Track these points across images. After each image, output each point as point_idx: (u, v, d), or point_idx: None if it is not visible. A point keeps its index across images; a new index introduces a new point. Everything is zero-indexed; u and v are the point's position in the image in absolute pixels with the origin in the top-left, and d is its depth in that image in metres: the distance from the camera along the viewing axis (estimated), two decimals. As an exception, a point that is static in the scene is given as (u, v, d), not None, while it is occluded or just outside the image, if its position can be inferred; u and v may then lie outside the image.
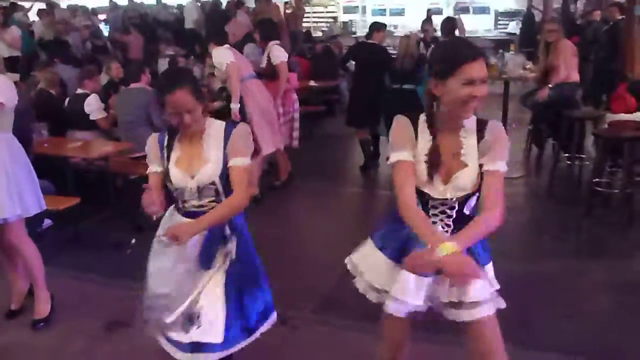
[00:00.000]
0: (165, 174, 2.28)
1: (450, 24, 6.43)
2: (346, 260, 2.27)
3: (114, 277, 3.86)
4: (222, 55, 5.08)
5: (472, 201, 1.98)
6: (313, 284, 3.81)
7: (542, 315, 3.34)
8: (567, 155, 5.89)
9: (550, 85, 5.72)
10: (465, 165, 1.93)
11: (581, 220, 4.64)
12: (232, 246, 2.31)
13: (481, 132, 1.95)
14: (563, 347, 3.02)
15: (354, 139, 7.34)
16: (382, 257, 2.10)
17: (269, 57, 5.52)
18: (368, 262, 2.16)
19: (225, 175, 2.26)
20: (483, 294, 1.96)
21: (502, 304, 2.03)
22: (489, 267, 2.09)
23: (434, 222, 1.98)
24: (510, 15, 14.48)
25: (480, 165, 1.93)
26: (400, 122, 2.02)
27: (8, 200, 3.05)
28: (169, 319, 2.28)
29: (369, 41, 6.32)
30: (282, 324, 3.24)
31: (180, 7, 13.10)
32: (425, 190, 1.95)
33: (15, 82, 5.85)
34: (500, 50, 8.12)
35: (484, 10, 14.93)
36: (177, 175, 2.25)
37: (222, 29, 6.31)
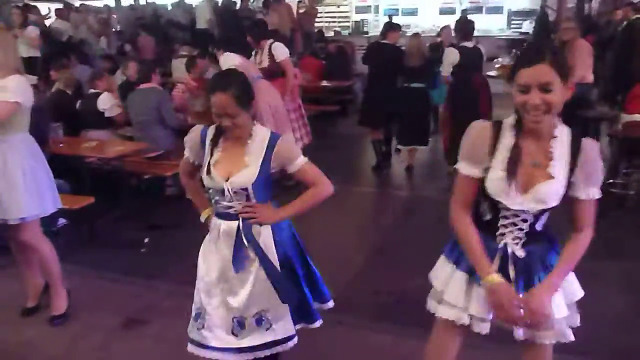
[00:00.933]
0: (203, 170, 2.29)
1: (465, 25, 6.25)
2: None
3: (129, 275, 3.90)
4: (229, 60, 5.08)
5: (546, 217, 1.89)
6: (327, 283, 3.80)
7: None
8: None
9: (564, 86, 5.68)
10: (551, 178, 1.79)
11: (595, 221, 4.60)
12: (264, 236, 2.32)
13: (575, 148, 1.79)
14: (577, 348, 2.99)
15: (367, 139, 7.35)
16: (458, 272, 1.98)
17: (271, 55, 5.54)
18: (445, 281, 2.02)
19: (260, 183, 2.25)
20: (556, 319, 1.94)
21: (571, 337, 2.02)
22: (571, 275, 2.03)
23: (502, 234, 1.88)
24: (524, 14, 14.38)
25: (569, 184, 1.82)
26: (479, 129, 1.88)
27: (27, 199, 3.10)
28: (215, 325, 2.33)
29: (384, 42, 6.32)
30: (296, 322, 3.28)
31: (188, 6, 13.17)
32: (501, 201, 1.82)
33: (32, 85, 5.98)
34: (514, 50, 8.09)
35: (497, 9, 14.85)
36: (213, 175, 2.25)
37: (232, 36, 6.40)
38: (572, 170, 1.80)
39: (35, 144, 3.24)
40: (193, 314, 2.41)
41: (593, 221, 1.90)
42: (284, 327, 2.37)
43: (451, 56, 5.83)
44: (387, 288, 3.62)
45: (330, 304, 2.54)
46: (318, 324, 2.51)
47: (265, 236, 2.33)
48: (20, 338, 3.23)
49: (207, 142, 2.30)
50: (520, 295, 1.87)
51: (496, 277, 1.84)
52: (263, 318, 2.33)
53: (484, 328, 1.91)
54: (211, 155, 2.28)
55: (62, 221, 4.73)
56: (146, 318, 3.30)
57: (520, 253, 1.88)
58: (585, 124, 5.51)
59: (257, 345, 2.34)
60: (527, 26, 13.58)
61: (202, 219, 2.44)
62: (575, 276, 3.85)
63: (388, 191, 6.11)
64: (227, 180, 2.23)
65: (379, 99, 6.16)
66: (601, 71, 7.29)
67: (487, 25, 13.90)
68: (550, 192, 1.80)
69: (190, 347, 2.40)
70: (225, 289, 2.32)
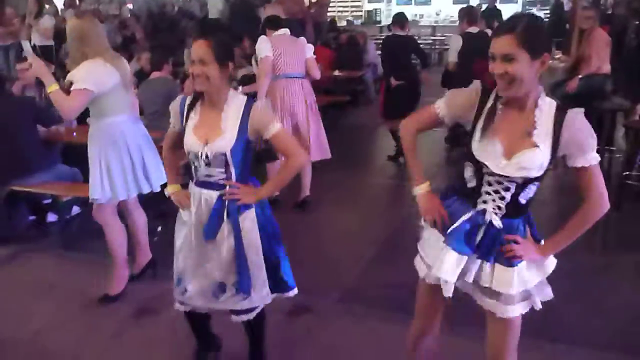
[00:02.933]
0: (182, 136, 2.36)
1: (470, 11, 6.31)
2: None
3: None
4: (259, 48, 4.84)
5: (530, 191, 1.90)
6: (339, 273, 3.82)
7: (572, 310, 3.30)
8: (596, 147, 5.78)
9: (580, 76, 5.61)
10: (535, 146, 1.82)
11: (610, 213, 4.54)
12: (249, 219, 2.37)
13: (559, 119, 1.83)
14: (593, 342, 2.99)
15: (379, 130, 7.33)
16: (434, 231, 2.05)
17: None
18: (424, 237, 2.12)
19: (238, 150, 2.29)
20: (521, 288, 1.94)
21: (538, 304, 1.99)
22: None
23: (485, 201, 1.92)
24: (539, 4, 14.23)
25: (555, 155, 1.85)
26: (471, 89, 1.96)
27: (99, 185, 3.29)
28: (195, 289, 2.44)
29: (398, 33, 6.34)
30: (307, 312, 3.29)
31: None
32: (486, 163, 1.87)
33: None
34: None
35: (511, -1, 14.70)
36: (191, 140, 2.32)
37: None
38: (557, 141, 1.83)
39: (123, 131, 3.30)
40: (175, 279, 2.50)
41: (602, 191, 1.90)
42: (260, 295, 2.46)
43: (455, 43, 5.96)
44: (399, 280, 3.60)
45: (292, 292, 2.58)
46: (292, 293, 2.58)
47: (249, 220, 2.38)
48: (34, 328, 3.26)
49: (185, 107, 2.37)
50: (488, 264, 1.93)
51: (423, 187, 2.09)
52: (241, 286, 2.39)
53: (448, 290, 1.95)
54: (187, 119, 2.34)
55: (76, 209, 4.77)
56: (159, 307, 3.32)
57: (498, 223, 1.91)
58: (601, 115, 5.44)
59: (236, 310, 2.47)
60: (540, 15, 13.42)
61: (167, 193, 2.53)
62: (590, 269, 3.85)
63: (401, 182, 6.08)
64: (205, 145, 2.27)
65: (401, 91, 6.19)
66: (617, 62, 7.18)
67: (502, 14, 13.74)
68: (532, 160, 1.82)
69: (177, 306, 2.54)
70: (202, 254, 2.40)
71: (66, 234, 4.36)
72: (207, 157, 2.28)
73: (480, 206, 1.93)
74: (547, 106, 1.85)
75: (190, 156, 2.35)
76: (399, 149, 6.50)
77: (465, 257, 1.91)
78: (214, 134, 2.28)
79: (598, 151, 5.64)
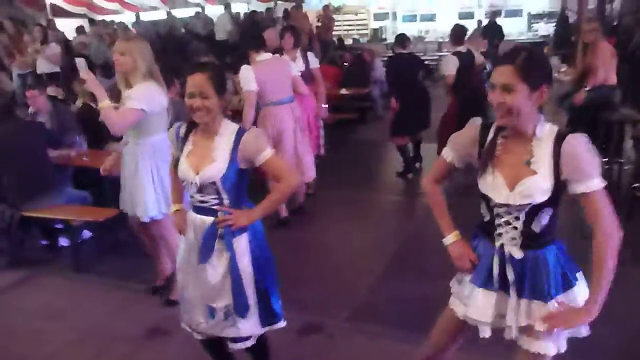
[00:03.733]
0: (176, 164, 2.40)
1: (457, 31, 6.36)
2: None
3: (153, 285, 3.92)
4: (242, 78, 4.75)
5: (543, 218, 1.90)
6: (348, 291, 3.81)
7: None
8: (605, 159, 5.76)
9: (587, 88, 5.60)
10: (534, 173, 1.84)
11: (621, 225, 4.52)
12: (242, 244, 2.36)
13: (558, 144, 1.83)
14: (604, 352, 2.96)
15: (387, 146, 7.33)
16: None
17: (307, 61, 5.54)
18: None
19: (229, 178, 2.29)
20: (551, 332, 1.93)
21: (563, 349, 2.00)
22: (579, 287, 2.02)
23: (500, 234, 1.95)
24: (545, 17, 14.26)
25: (564, 182, 1.84)
26: (469, 127, 2.03)
27: (153, 200, 3.41)
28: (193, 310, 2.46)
29: (404, 52, 6.43)
30: (317, 332, 3.28)
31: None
32: (490, 196, 1.91)
33: (57, 97, 6.10)
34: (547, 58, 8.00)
35: (516, 13, 14.75)
36: (184, 168, 2.35)
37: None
38: (557, 167, 1.82)
39: (168, 148, 3.39)
40: (179, 295, 2.57)
41: (610, 218, 1.88)
42: (249, 324, 2.42)
43: (452, 60, 6.02)
44: (408, 295, 3.60)
45: (282, 324, 2.52)
46: (282, 323, 2.52)
47: (243, 244, 2.37)
48: (46, 350, 3.28)
49: (180, 137, 2.39)
50: (525, 300, 1.92)
51: (452, 236, 2.11)
52: (229, 314, 2.39)
53: (484, 332, 1.98)
54: (181, 149, 2.37)
55: (87, 234, 4.81)
56: (169, 327, 3.32)
57: (518, 254, 1.91)
58: (609, 126, 5.42)
59: (223, 336, 2.46)
60: (545, 28, 13.46)
61: (174, 208, 2.58)
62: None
63: (409, 198, 6.07)
64: (197, 174, 2.30)
65: (410, 107, 6.23)
66: (623, 73, 7.17)
67: (507, 28, 13.81)
68: (534, 187, 1.83)
69: (182, 324, 2.58)
70: (197, 276, 2.41)
71: (77, 257, 4.39)
72: (198, 186, 2.31)
73: (498, 241, 1.96)
74: (546, 133, 1.86)
75: (185, 183, 2.38)
76: (407, 165, 6.51)
77: (494, 293, 1.95)
78: (204, 163, 2.30)
79: (607, 163, 5.64)
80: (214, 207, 2.34)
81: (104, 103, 3.20)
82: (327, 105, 5.65)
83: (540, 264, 1.92)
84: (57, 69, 8.81)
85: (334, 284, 3.90)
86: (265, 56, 4.81)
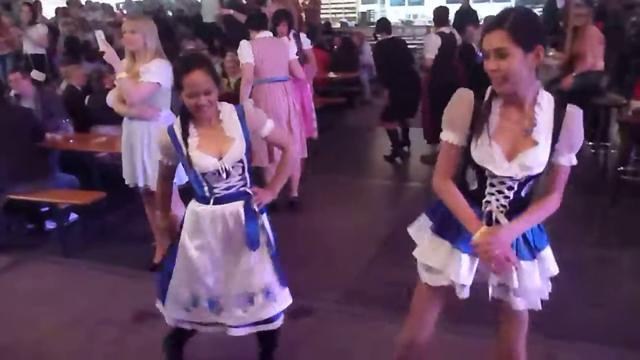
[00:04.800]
0: (189, 162, 2.29)
1: (441, 12, 6.43)
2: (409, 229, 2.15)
3: (141, 269, 3.92)
4: (241, 53, 4.85)
5: (530, 184, 1.91)
6: (337, 275, 3.83)
7: (571, 304, 3.31)
8: (591, 143, 5.81)
9: (574, 74, 5.63)
10: (535, 144, 1.81)
11: (607, 208, 4.59)
12: (266, 225, 2.45)
13: (559, 115, 1.82)
14: (592, 336, 3.01)
15: (376, 131, 7.34)
16: (438, 239, 1.99)
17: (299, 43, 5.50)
18: (423, 242, 2.06)
19: (246, 153, 2.35)
20: (530, 286, 1.94)
21: (538, 306, 2.00)
22: (547, 252, 2.04)
23: (488, 202, 1.90)
24: (532, 2, 14.25)
25: (553, 150, 1.84)
26: (460, 97, 1.90)
27: None
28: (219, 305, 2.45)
29: (391, 37, 6.45)
30: (308, 314, 3.30)
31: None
32: (489, 167, 1.84)
33: (42, 81, 6.02)
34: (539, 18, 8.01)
35: (505, -3, 14.74)
36: (203, 159, 2.27)
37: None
38: (555, 137, 1.83)
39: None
40: (205, 304, 2.46)
41: (562, 188, 1.94)
42: (285, 296, 2.52)
43: (434, 40, 6.09)
44: (398, 279, 3.60)
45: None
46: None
47: (267, 223, 2.46)
48: (36, 335, 3.26)
49: (178, 136, 2.32)
50: None
51: (484, 228, 1.86)
52: (270, 291, 2.43)
53: (465, 292, 1.93)
54: (187, 145, 2.29)
55: (73, 216, 4.78)
56: (158, 311, 3.31)
57: (504, 221, 1.90)
58: (596, 111, 5.47)
59: (261, 320, 2.48)
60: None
61: (163, 225, 2.59)
62: (589, 263, 3.87)
63: (398, 183, 6.10)
64: (220, 159, 2.28)
65: (402, 92, 6.26)
66: (610, 59, 7.21)
67: (495, 12, 13.80)
68: (535, 159, 1.82)
69: (197, 327, 2.57)
70: (234, 271, 2.40)
71: (65, 241, 4.36)
72: (225, 169, 2.29)
73: (485, 207, 1.92)
74: (546, 102, 1.84)
75: (205, 177, 2.32)
76: (395, 149, 6.52)
77: (476, 258, 1.90)
78: (225, 146, 2.29)
79: (593, 147, 5.72)
80: (241, 190, 2.36)
81: (122, 74, 3.40)
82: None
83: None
84: (43, 51, 8.66)
85: (324, 268, 3.91)
86: (265, 34, 4.86)
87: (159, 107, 3.57)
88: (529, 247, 1.95)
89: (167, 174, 2.50)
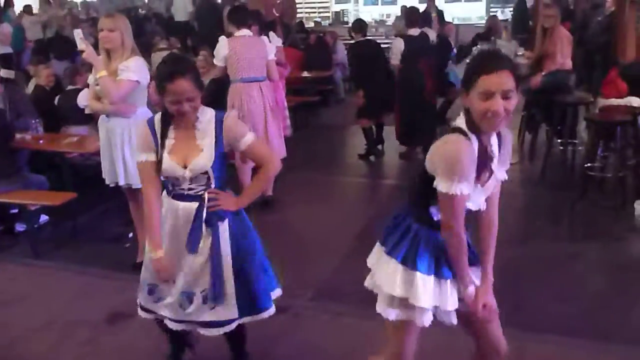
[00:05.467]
0: (159, 162, 2.28)
1: (410, 14, 6.47)
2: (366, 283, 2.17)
3: (113, 270, 3.89)
4: (217, 50, 4.87)
5: None
6: (311, 272, 3.85)
7: (537, 297, 3.39)
8: (560, 140, 5.93)
9: (543, 73, 5.75)
10: (492, 172, 1.89)
11: (575, 204, 4.69)
12: (221, 229, 2.36)
13: (500, 137, 1.89)
14: (558, 328, 3.08)
15: (350, 129, 7.38)
16: (423, 275, 1.94)
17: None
18: (383, 271, 2.03)
19: (217, 164, 2.30)
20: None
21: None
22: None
23: None
24: (503, 1, 14.48)
25: None
26: (465, 149, 1.78)
27: None
28: (167, 300, 2.43)
29: (363, 39, 6.49)
30: (282, 312, 3.30)
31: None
32: (473, 209, 1.90)
33: (10, 79, 5.90)
34: (493, 37, 8.15)
35: (476, -3, 14.92)
36: (170, 165, 2.27)
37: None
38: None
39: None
40: (145, 288, 2.48)
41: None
42: (227, 311, 2.42)
43: (398, 45, 6.13)
44: (372, 275, 3.66)
45: (267, 313, 2.51)
46: (267, 314, 2.51)
47: (223, 230, 2.36)
48: (7, 336, 3.21)
49: (157, 132, 2.30)
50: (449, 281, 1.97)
51: (477, 288, 1.98)
52: (207, 299, 2.38)
53: (453, 319, 1.99)
54: (162, 146, 2.28)
55: (44, 218, 4.70)
56: (132, 311, 3.26)
57: (468, 239, 1.98)
58: (564, 109, 5.59)
59: (202, 321, 2.43)
60: (503, 13, 13.66)
61: (155, 256, 2.34)
62: (557, 257, 3.96)
63: (373, 180, 6.14)
64: (184, 167, 2.26)
65: (376, 92, 6.29)
66: (577, 57, 7.37)
67: (467, 12, 13.97)
68: (492, 184, 1.92)
69: (142, 314, 2.55)
70: (180, 265, 2.37)
71: (35, 243, 4.29)
72: (189, 178, 2.29)
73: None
74: None
75: (169, 179, 2.33)
76: (369, 147, 6.57)
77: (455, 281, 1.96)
78: (192, 154, 2.27)
79: (562, 144, 5.81)
80: (200, 193, 2.32)
81: (102, 72, 3.38)
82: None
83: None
84: (9, 50, 8.50)
85: (298, 266, 3.92)
86: (244, 32, 4.82)
87: (135, 104, 3.56)
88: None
89: (150, 175, 2.33)
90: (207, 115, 2.32)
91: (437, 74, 6.63)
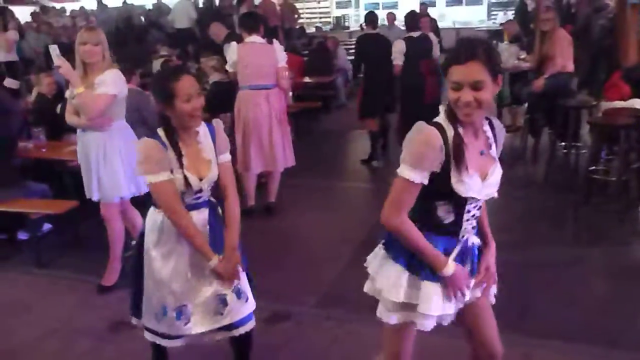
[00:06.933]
0: (177, 178, 2.25)
1: (409, 17, 6.50)
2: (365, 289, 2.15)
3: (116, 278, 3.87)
4: (227, 57, 4.93)
5: None
6: (315, 278, 3.84)
7: (541, 302, 3.37)
8: (563, 144, 5.92)
9: (545, 76, 5.74)
10: (495, 160, 1.91)
11: (578, 207, 4.67)
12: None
13: (493, 128, 1.93)
14: (561, 333, 3.06)
15: (352, 134, 7.37)
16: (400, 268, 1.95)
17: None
18: (386, 277, 2.01)
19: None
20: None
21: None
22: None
23: (465, 229, 1.93)
24: (504, 5, 14.50)
25: None
26: (428, 139, 1.80)
27: (124, 181, 3.53)
28: (197, 315, 2.39)
29: (372, 32, 6.55)
30: (286, 319, 3.30)
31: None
32: (473, 196, 1.84)
33: (15, 89, 5.91)
34: (494, 41, 8.15)
35: (476, 1, 14.94)
36: (193, 180, 2.28)
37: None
38: (498, 150, 1.95)
39: (131, 130, 3.64)
40: (171, 314, 2.38)
41: None
42: (252, 298, 2.48)
43: (399, 46, 6.18)
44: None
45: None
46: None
47: None
48: (9, 346, 3.20)
49: (168, 149, 2.26)
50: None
51: (452, 265, 1.90)
52: (241, 290, 2.41)
53: (429, 325, 1.96)
54: (181, 162, 2.25)
55: (47, 226, 4.70)
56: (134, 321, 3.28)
57: (477, 241, 1.98)
58: (566, 112, 5.57)
59: (235, 321, 2.43)
60: (502, 17, 13.68)
61: (214, 263, 2.31)
62: (560, 261, 3.94)
63: (374, 185, 6.13)
64: (200, 180, 2.30)
65: (379, 88, 6.31)
66: (580, 60, 7.36)
67: (467, 16, 13.99)
68: (499, 173, 1.91)
69: (169, 343, 2.49)
70: (202, 275, 2.37)
71: (38, 252, 4.29)
72: (205, 189, 2.35)
73: (463, 235, 1.93)
74: (485, 122, 1.92)
75: (184, 191, 2.30)
76: (373, 152, 6.55)
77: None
78: (203, 167, 2.32)
79: (565, 147, 5.79)
80: (206, 199, 2.39)
81: (79, 89, 3.32)
82: None
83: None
84: (15, 58, 8.53)
85: (301, 272, 3.91)
86: (254, 38, 4.82)
87: (112, 117, 3.50)
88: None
89: (175, 193, 2.25)
90: (202, 129, 2.37)
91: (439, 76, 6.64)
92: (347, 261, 4.06)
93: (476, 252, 2.00)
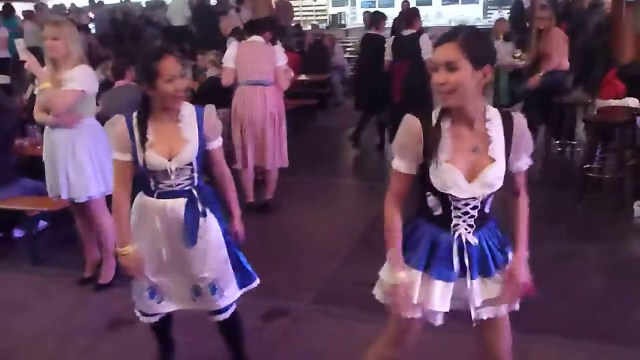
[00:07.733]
0: (141, 158, 2.26)
1: (405, 15, 6.62)
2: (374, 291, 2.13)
3: (113, 275, 3.86)
4: (226, 54, 4.99)
5: (492, 199, 1.91)
6: (312, 275, 3.84)
7: (541, 299, 3.36)
8: (558, 141, 5.94)
9: (541, 73, 5.76)
10: (493, 161, 1.82)
11: (573, 204, 4.70)
12: (209, 215, 2.40)
13: (509, 126, 1.84)
14: (557, 329, 3.07)
15: (348, 131, 7.38)
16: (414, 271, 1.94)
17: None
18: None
19: (199, 156, 2.34)
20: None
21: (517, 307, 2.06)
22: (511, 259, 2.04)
23: (456, 225, 1.89)
24: (499, 3, 14.51)
25: (508, 161, 1.86)
26: (407, 126, 1.84)
27: (93, 179, 3.47)
28: (172, 297, 2.47)
29: (376, 33, 6.71)
30: (283, 315, 3.30)
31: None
32: (452, 193, 1.81)
33: (6, 85, 5.88)
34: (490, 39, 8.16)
35: (473, -1, 14.96)
36: (155, 158, 2.25)
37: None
38: (508, 148, 1.85)
39: (101, 128, 3.45)
40: (146, 293, 2.47)
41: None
42: (232, 292, 2.49)
43: (389, 43, 6.28)
44: (373, 278, 3.64)
45: (256, 282, 2.58)
46: (256, 283, 2.58)
47: (213, 219, 2.43)
48: (7, 344, 3.20)
49: (135, 129, 2.28)
50: (475, 280, 1.92)
51: (401, 275, 1.91)
52: (216, 287, 2.43)
53: (438, 320, 1.97)
54: (143, 143, 2.26)
55: (42, 224, 4.69)
56: (132, 318, 3.24)
57: (475, 241, 1.91)
58: (562, 110, 5.60)
59: (212, 311, 2.49)
60: (497, 16, 13.69)
61: (124, 252, 2.33)
62: (555, 258, 3.96)
63: (371, 182, 6.13)
64: (169, 160, 2.26)
65: (373, 85, 6.41)
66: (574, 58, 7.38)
67: (464, 15, 14.00)
68: (495, 176, 1.83)
69: (146, 319, 2.57)
70: (176, 262, 2.39)
71: (34, 249, 4.28)
72: (172, 170, 2.27)
73: (455, 232, 1.90)
74: (494, 117, 1.84)
75: (153, 174, 2.30)
76: (382, 139, 6.71)
77: (452, 284, 1.91)
78: (177, 146, 2.28)
79: (560, 145, 5.84)
80: (186, 189, 2.33)
81: (45, 84, 3.27)
82: None
83: (488, 240, 1.96)
84: (7, 55, 8.50)
85: (299, 269, 3.92)
86: (254, 38, 4.94)
87: (81, 114, 3.43)
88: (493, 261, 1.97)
89: (123, 176, 2.32)
90: (187, 109, 2.35)
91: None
92: (345, 258, 4.07)
93: (487, 253, 1.94)
